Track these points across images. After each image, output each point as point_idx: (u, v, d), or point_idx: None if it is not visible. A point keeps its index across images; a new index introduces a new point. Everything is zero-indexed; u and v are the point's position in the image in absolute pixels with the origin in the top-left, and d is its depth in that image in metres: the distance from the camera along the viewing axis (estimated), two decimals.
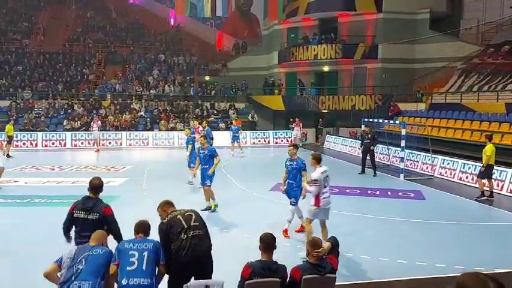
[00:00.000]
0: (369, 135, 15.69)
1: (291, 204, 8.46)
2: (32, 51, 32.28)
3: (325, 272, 4.39)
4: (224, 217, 9.87)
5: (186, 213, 4.83)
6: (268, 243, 4.49)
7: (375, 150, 16.15)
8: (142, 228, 4.67)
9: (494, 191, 12.13)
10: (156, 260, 4.44)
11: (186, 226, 4.66)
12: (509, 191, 12.20)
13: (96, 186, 5.37)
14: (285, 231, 8.43)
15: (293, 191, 8.42)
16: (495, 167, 12.37)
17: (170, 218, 4.77)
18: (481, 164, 12.11)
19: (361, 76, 27.66)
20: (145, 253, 4.37)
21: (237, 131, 21.04)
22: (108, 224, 5.16)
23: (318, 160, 7.47)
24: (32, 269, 6.52)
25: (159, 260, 4.48)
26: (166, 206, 5.03)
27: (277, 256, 4.56)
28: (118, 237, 5.18)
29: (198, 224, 4.76)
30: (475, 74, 22.03)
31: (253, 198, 11.79)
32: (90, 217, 5.13)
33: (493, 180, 12.09)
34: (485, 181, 11.94)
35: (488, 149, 11.81)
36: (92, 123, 23.28)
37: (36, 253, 7.08)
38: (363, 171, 15.82)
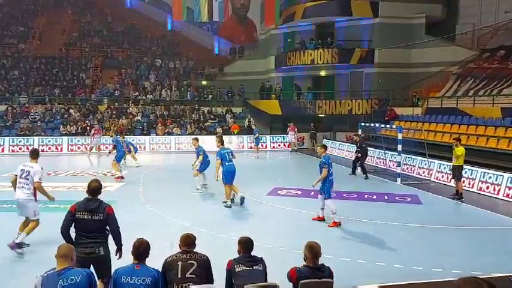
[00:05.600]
0: (358, 144, 16.88)
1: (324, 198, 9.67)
2: (28, 56, 32.17)
3: (323, 276, 4.39)
4: (223, 221, 9.86)
5: (189, 261, 4.46)
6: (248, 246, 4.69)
7: (369, 154, 17.62)
8: (144, 252, 4.32)
9: (491, 195, 12.55)
10: None
11: (180, 277, 4.37)
12: (505, 195, 12.23)
13: (96, 188, 5.41)
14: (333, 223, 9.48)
15: (323, 185, 9.66)
16: (491, 171, 13.08)
17: (172, 260, 4.50)
18: (453, 165, 12.63)
19: (358, 81, 27.76)
20: None
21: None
22: (110, 222, 5.29)
23: None
24: (29, 273, 6.50)
25: None
26: (181, 242, 4.69)
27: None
28: (117, 237, 5.32)
29: (194, 276, 4.39)
30: (471, 79, 22.15)
31: (251, 203, 11.73)
32: (95, 217, 5.22)
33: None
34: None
35: (462, 151, 12.41)
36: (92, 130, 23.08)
37: (33, 258, 7.03)
38: (353, 173, 16.91)
